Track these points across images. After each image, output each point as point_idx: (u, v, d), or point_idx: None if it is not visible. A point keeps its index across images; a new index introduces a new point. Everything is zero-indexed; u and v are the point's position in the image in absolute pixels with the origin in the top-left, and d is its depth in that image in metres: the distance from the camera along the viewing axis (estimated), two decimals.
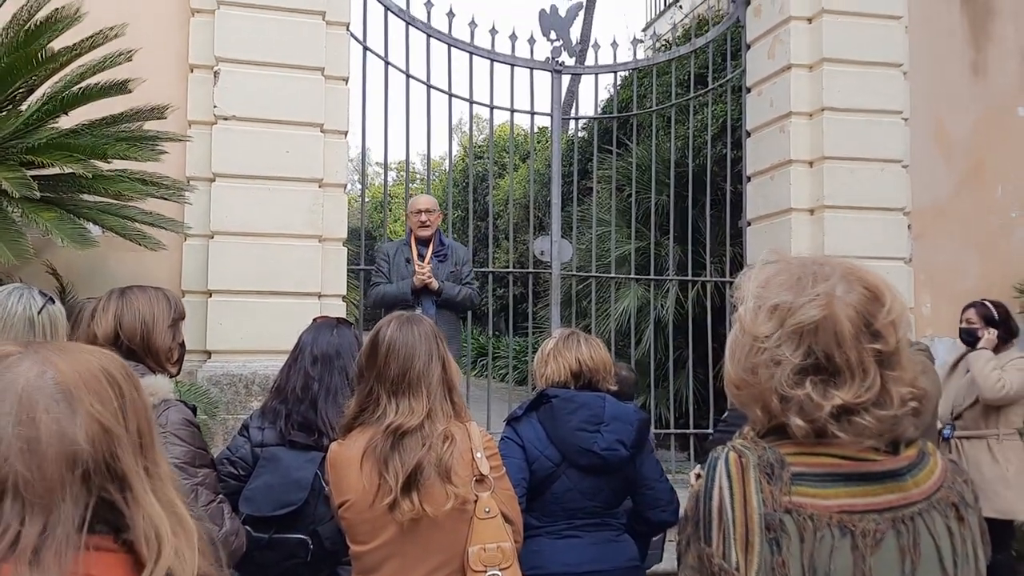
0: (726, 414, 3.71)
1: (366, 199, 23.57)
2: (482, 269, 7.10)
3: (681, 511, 3.22)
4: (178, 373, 2.54)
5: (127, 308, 2.38)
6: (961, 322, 4.85)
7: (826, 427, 1.26)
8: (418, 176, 14.72)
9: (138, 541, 0.91)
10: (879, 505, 1.27)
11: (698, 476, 3.41)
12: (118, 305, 2.38)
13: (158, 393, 2.27)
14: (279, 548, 2.53)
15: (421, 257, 5.34)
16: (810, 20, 6.08)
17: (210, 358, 5.08)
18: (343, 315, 5.24)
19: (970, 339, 4.77)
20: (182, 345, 2.54)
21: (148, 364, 2.36)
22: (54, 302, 2.46)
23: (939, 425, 4.70)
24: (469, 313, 6.74)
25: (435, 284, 5.19)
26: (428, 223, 5.37)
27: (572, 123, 12.21)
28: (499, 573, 2.19)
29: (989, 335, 4.68)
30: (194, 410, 2.40)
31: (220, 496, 2.39)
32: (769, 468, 1.27)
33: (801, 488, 1.26)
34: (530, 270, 7.04)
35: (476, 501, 2.22)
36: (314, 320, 3.01)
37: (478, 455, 2.26)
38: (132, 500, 0.92)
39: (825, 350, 1.27)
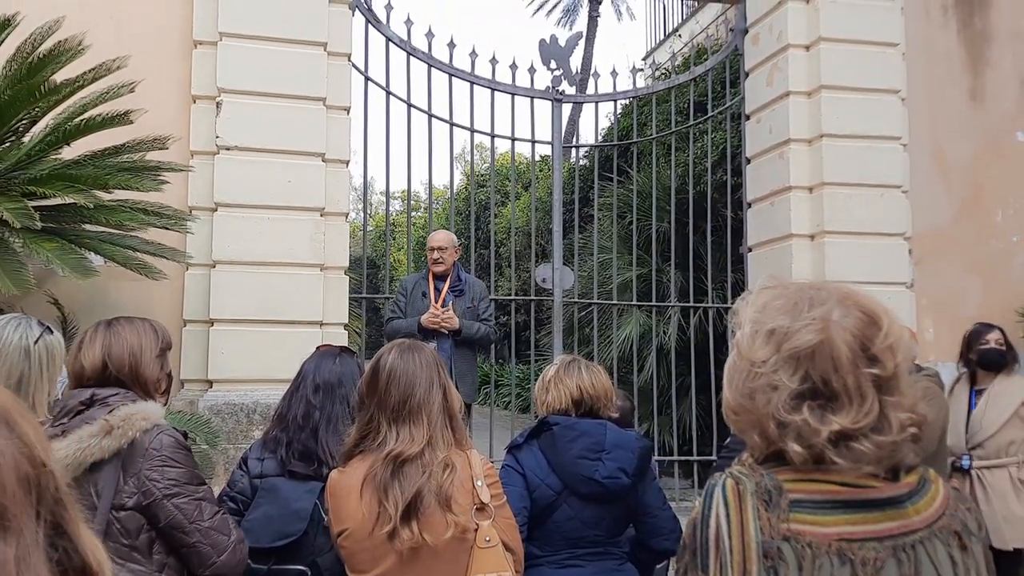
0: (728, 440, 3.68)
1: (369, 228, 23.70)
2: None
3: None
4: (166, 403, 2.54)
5: (115, 339, 2.39)
6: (984, 343, 4.75)
7: (824, 453, 1.25)
8: (421, 205, 14.78)
9: (87, 559, 0.90)
10: (879, 533, 1.25)
11: None
12: (105, 336, 2.39)
13: (150, 418, 2.29)
14: None
15: (438, 292, 5.37)
16: (808, 48, 6.12)
17: (212, 387, 5.07)
18: (345, 343, 5.24)
19: (1000, 359, 4.68)
20: (169, 375, 2.55)
21: (137, 393, 2.37)
22: (52, 332, 2.48)
23: (950, 456, 4.63)
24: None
25: (455, 323, 5.26)
26: (441, 260, 5.45)
27: (574, 151, 12.29)
28: None
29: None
30: (184, 435, 2.41)
31: (222, 508, 2.41)
32: (767, 495, 1.25)
33: (799, 515, 1.24)
34: (532, 297, 7.04)
35: (476, 530, 2.20)
36: (317, 348, 3.00)
37: (479, 483, 2.25)
38: (73, 522, 0.92)
39: (822, 375, 1.26)
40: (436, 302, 5.36)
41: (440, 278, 5.48)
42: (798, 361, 1.26)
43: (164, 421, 2.36)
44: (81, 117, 4.27)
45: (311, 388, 2.77)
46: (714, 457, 5.94)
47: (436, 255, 5.46)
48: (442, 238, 5.56)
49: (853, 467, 1.25)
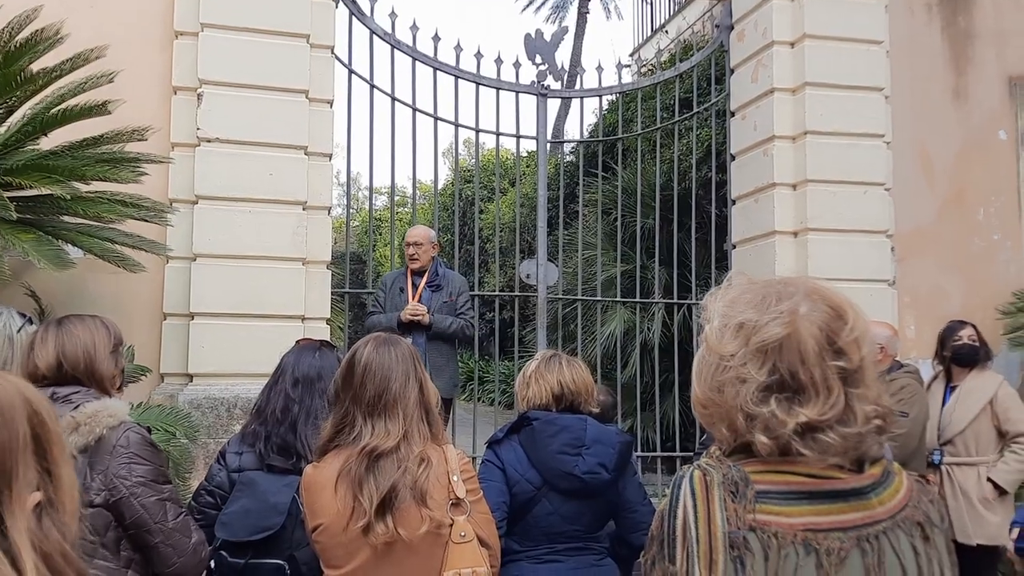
0: (704, 436, 3.69)
1: (354, 223, 23.60)
2: (470, 293, 7.08)
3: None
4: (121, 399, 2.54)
5: (67, 338, 2.39)
6: (957, 339, 4.79)
7: (790, 444, 1.26)
8: (407, 200, 14.74)
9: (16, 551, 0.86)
10: (844, 523, 1.27)
11: None
12: (57, 335, 2.40)
13: (116, 415, 2.30)
14: (255, 573, 2.49)
15: (415, 287, 5.40)
16: (792, 45, 6.13)
17: (192, 381, 5.03)
18: (327, 338, 5.21)
19: (973, 354, 4.75)
20: (123, 371, 2.56)
21: (95, 390, 2.38)
22: (32, 323, 2.49)
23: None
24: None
25: (425, 320, 5.31)
26: (416, 256, 5.53)
27: (562, 147, 12.27)
28: None
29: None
30: (149, 431, 2.43)
31: (185, 509, 2.42)
32: (733, 486, 1.26)
33: (766, 506, 1.26)
34: (517, 293, 7.03)
35: (452, 525, 2.19)
36: (297, 342, 2.98)
37: (454, 478, 2.23)
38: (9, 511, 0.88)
39: (790, 368, 1.27)
40: (413, 297, 5.40)
41: (418, 273, 5.54)
42: (766, 354, 1.28)
43: (129, 418, 2.36)
44: (59, 107, 4.21)
45: (290, 382, 2.75)
46: (695, 454, 5.94)
47: (412, 251, 5.53)
48: (418, 234, 5.59)
49: (819, 458, 1.27)
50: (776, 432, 1.26)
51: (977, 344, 4.76)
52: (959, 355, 4.77)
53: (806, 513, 1.26)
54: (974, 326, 4.85)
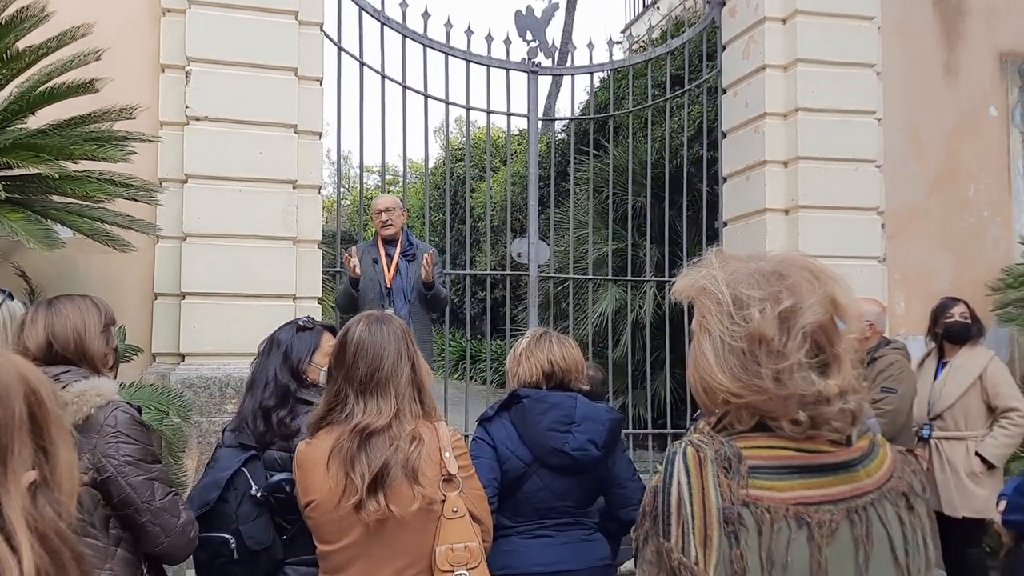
0: (698, 413, 3.71)
1: (345, 202, 23.55)
2: (461, 272, 7.09)
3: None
4: (115, 378, 2.54)
5: (57, 318, 2.39)
6: (948, 316, 4.84)
7: (829, 418, 1.30)
8: (398, 179, 14.68)
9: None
10: (833, 496, 1.29)
11: None
12: (47, 315, 2.40)
13: (104, 394, 2.29)
14: (205, 546, 2.53)
15: (389, 257, 5.33)
16: (784, 21, 6.11)
17: (184, 361, 5.04)
18: (319, 317, 5.21)
19: (964, 331, 4.79)
20: (116, 351, 2.56)
21: (85, 370, 2.38)
22: (12, 298, 2.48)
23: (914, 425, 4.73)
24: (448, 315, 6.73)
25: (431, 276, 5.23)
26: (390, 222, 5.39)
27: (553, 125, 12.23)
28: (467, 573, 2.18)
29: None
30: (139, 410, 2.42)
31: (173, 489, 2.42)
32: (726, 462, 1.28)
33: (758, 481, 1.27)
34: (508, 272, 7.03)
35: (444, 501, 2.21)
36: (289, 323, 2.97)
37: (446, 455, 2.25)
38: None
39: (822, 346, 1.32)
40: (388, 268, 5.30)
41: (390, 243, 5.41)
42: (805, 336, 1.30)
43: (118, 397, 2.36)
44: (46, 85, 4.18)
45: (262, 352, 2.81)
46: (686, 430, 5.98)
47: (384, 217, 5.39)
48: (388, 200, 5.49)
49: (843, 427, 1.31)
50: (819, 409, 1.29)
51: (969, 321, 4.81)
52: (950, 332, 4.82)
53: (797, 487, 1.28)
54: (966, 303, 4.89)
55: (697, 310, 1.39)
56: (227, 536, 2.52)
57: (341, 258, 5.45)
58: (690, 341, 1.46)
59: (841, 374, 1.30)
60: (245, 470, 2.57)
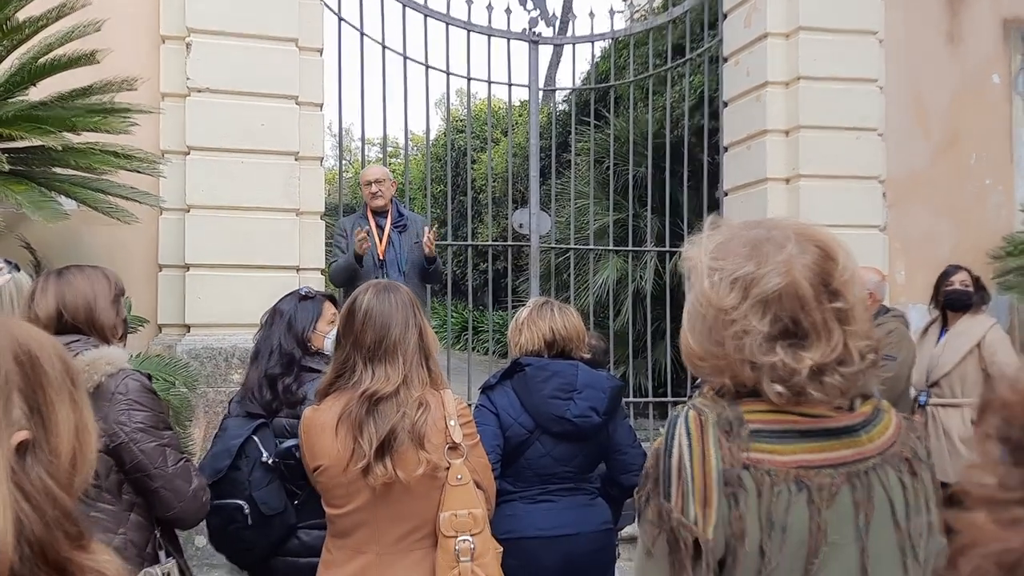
0: (698, 381, 3.75)
1: (347, 174, 23.47)
2: (463, 243, 7.11)
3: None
4: (123, 348, 2.55)
5: (68, 288, 2.40)
6: (949, 284, 4.86)
7: (805, 389, 1.29)
8: (400, 151, 14.65)
9: None
10: (835, 460, 1.30)
11: None
12: (58, 285, 2.41)
13: (115, 362, 2.31)
14: (218, 513, 2.58)
15: (381, 229, 5.32)
16: None
17: (189, 332, 5.08)
18: (322, 288, 5.24)
19: (966, 299, 4.81)
20: (125, 321, 2.58)
21: (96, 340, 2.39)
22: (19, 270, 2.49)
23: (913, 392, 4.77)
24: (450, 287, 6.76)
25: (433, 253, 5.26)
26: (380, 193, 5.36)
27: (554, 96, 12.17)
28: (470, 538, 2.22)
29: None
30: (149, 378, 2.45)
31: (185, 455, 2.45)
32: (728, 425, 1.30)
33: (759, 444, 1.29)
34: (510, 243, 7.04)
35: (448, 468, 2.25)
36: (290, 293, 3.01)
37: (451, 423, 2.28)
38: None
39: (791, 315, 1.30)
40: (381, 240, 5.28)
41: (380, 214, 5.38)
42: (766, 304, 1.29)
43: (128, 365, 2.38)
44: (46, 57, 4.18)
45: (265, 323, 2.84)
46: (687, 399, 6.03)
47: (374, 189, 5.34)
48: (378, 171, 5.45)
49: (826, 400, 1.30)
50: (790, 380, 1.29)
51: (969, 289, 4.82)
52: (950, 300, 4.84)
53: (799, 451, 1.30)
54: (969, 271, 4.90)
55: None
56: (241, 503, 2.56)
57: (343, 232, 5.42)
58: None
59: (824, 345, 1.29)
60: (255, 438, 2.61)
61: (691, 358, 1.39)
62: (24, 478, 0.88)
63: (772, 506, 1.26)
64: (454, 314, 15.32)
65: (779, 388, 1.29)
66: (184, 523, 2.46)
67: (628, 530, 3.83)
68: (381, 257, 5.30)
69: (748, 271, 1.31)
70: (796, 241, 1.33)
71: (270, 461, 2.57)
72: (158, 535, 2.38)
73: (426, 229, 5.24)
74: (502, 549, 2.38)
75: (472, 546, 2.20)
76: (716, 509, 1.26)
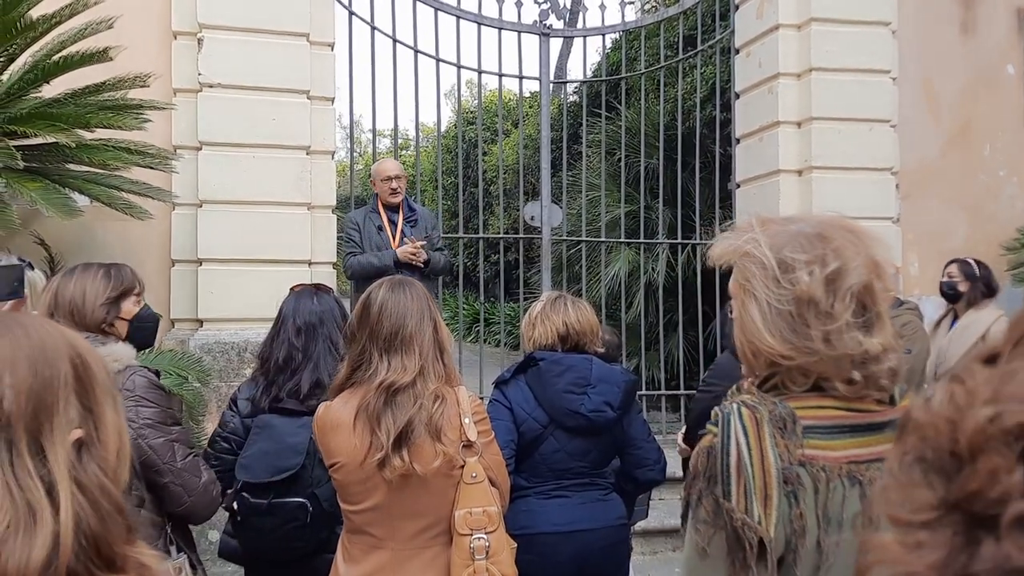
0: (706, 374, 3.74)
1: (358, 167, 23.50)
2: (474, 235, 7.11)
3: (670, 472, 3.26)
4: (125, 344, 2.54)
5: (63, 286, 2.43)
6: (943, 276, 4.91)
7: (878, 377, 1.33)
8: (410, 143, 14.64)
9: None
10: (881, 454, 1.32)
11: (685, 438, 3.45)
12: (58, 283, 2.44)
13: (122, 359, 2.34)
14: (278, 512, 2.57)
15: (393, 223, 5.29)
16: None
17: (202, 326, 5.10)
18: (333, 282, 5.26)
19: (951, 292, 4.84)
20: (136, 319, 2.55)
21: (100, 337, 2.40)
22: (33, 268, 2.51)
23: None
24: (461, 279, 6.77)
25: (424, 256, 5.14)
26: (399, 189, 5.31)
27: (565, 87, 12.14)
28: (485, 536, 2.22)
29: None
30: (157, 374, 2.47)
31: (194, 450, 2.49)
32: (781, 423, 1.30)
33: (812, 441, 1.30)
34: (521, 235, 7.04)
35: (463, 466, 2.25)
36: (291, 289, 3.00)
37: (466, 420, 2.29)
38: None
39: (865, 305, 1.34)
40: (394, 236, 5.23)
41: (392, 209, 5.34)
42: (851, 297, 1.32)
43: (136, 362, 2.41)
44: (60, 54, 4.20)
45: (292, 331, 2.79)
46: (697, 391, 6.02)
47: (395, 184, 5.27)
48: (396, 167, 5.38)
49: (887, 388, 1.34)
50: (869, 368, 1.32)
51: (954, 280, 4.81)
52: (942, 292, 4.88)
53: (849, 446, 1.31)
54: (972, 262, 4.87)
55: (739, 274, 1.40)
56: (304, 500, 2.58)
57: (355, 225, 5.34)
58: (721, 305, 1.48)
59: (883, 332, 1.34)
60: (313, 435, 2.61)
61: (768, 356, 1.36)
62: (82, 473, 0.93)
63: (829, 502, 1.28)
64: (465, 306, 15.34)
65: (856, 375, 1.32)
66: (196, 517, 2.49)
67: (641, 525, 3.83)
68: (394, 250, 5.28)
69: (837, 265, 1.32)
70: (857, 236, 1.37)
71: None
72: (169, 530, 2.40)
73: (409, 240, 5.15)
74: (516, 546, 2.38)
75: (487, 544, 2.21)
76: (777, 507, 1.26)
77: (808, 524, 1.27)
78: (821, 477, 1.28)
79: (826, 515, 1.27)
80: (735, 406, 1.32)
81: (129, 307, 2.53)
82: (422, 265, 5.13)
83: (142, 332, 2.60)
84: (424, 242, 5.17)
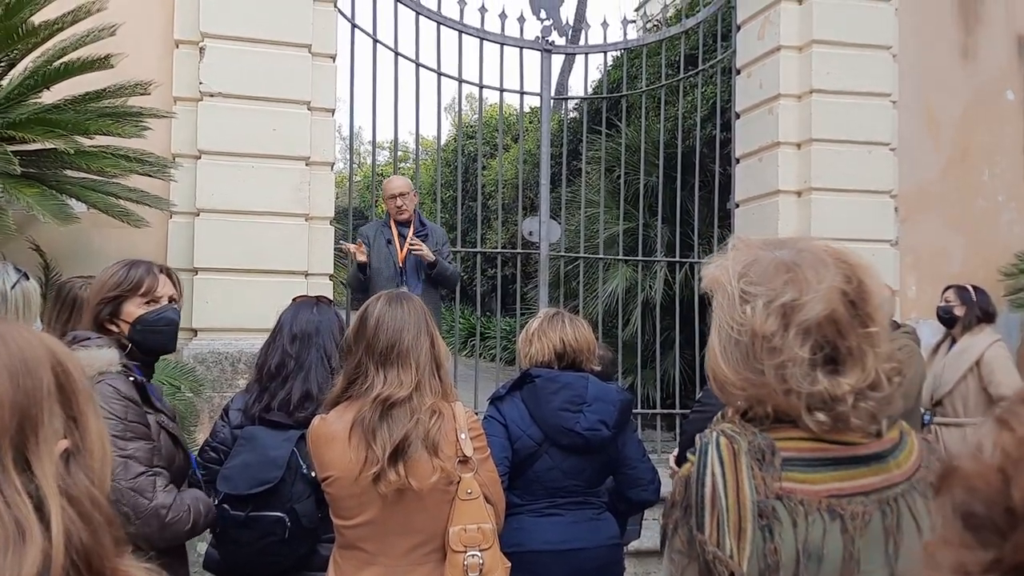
0: (700, 395, 3.73)
1: (356, 178, 23.53)
2: (472, 249, 7.10)
3: (663, 492, 3.23)
4: (128, 346, 2.45)
5: (99, 275, 2.42)
6: (940, 301, 4.91)
7: (845, 416, 1.27)
8: (409, 156, 14.66)
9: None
10: (865, 488, 1.29)
11: (678, 460, 3.43)
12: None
13: (94, 365, 2.21)
14: (255, 526, 2.53)
15: (403, 237, 5.37)
16: (800, 2, 6.05)
17: (196, 336, 5.07)
18: (330, 294, 5.24)
19: (948, 317, 4.84)
20: (137, 321, 2.45)
21: (99, 337, 2.33)
22: (28, 278, 2.47)
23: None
24: (458, 293, 6.76)
25: (430, 255, 5.26)
26: (403, 207, 5.44)
27: (566, 104, 12.16)
28: (479, 553, 2.20)
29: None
30: (141, 386, 2.34)
31: (154, 469, 2.31)
32: (760, 454, 1.27)
33: (791, 474, 1.27)
34: (519, 251, 7.03)
35: (459, 482, 2.23)
36: (293, 300, 3.00)
37: (462, 436, 2.27)
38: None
39: (830, 341, 1.28)
40: (401, 249, 5.35)
41: (403, 224, 5.47)
42: (807, 331, 1.27)
43: (114, 369, 2.27)
44: (61, 60, 4.19)
45: (288, 338, 2.77)
46: (690, 411, 6.00)
47: (399, 202, 5.43)
48: (402, 184, 5.51)
49: (863, 427, 1.28)
50: (832, 408, 1.27)
51: (950, 305, 4.81)
52: (939, 317, 4.88)
53: (830, 479, 1.28)
54: (968, 288, 4.87)
55: (714, 299, 1.39)
56: (282, 515, 2.53)
57: (366, 239, 5.45)
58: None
59: (859, 370, 1.27)
60: (296, 449, 2.56)
61: (725, 386, 1.35)
62: (71, 484, 0.91)
63: (808, 536, 1.25)
64: (461, 320, 15.32)
65: (821, 416, 1.27)
66: (147, 543, 2.30)
67: (634, 544, 3.80)
68: (401, 264, 5.36)
69: (790, 298, 1.28)
70: (832, 265, 1.31)
71: (311, 474, 2.50)
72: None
73: (417, 240, 5.28)
74: (511, 565, 2.35)
75: (481, 561, 2.19)
76: (751, 541, 1.23)
77: (783, 559, 1.23)
78: (799, 511, 1.25)
79: (806, 550, 1.24)
80: (714, 435, 1.30)
81: (132, 308, 2.44)
82: (429, 263, 5.25)
83: (150, 336, 2.48)
84: (421, 245, 5.27)
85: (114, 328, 2.43)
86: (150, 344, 2.51)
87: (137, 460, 2.26)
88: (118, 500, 2.15)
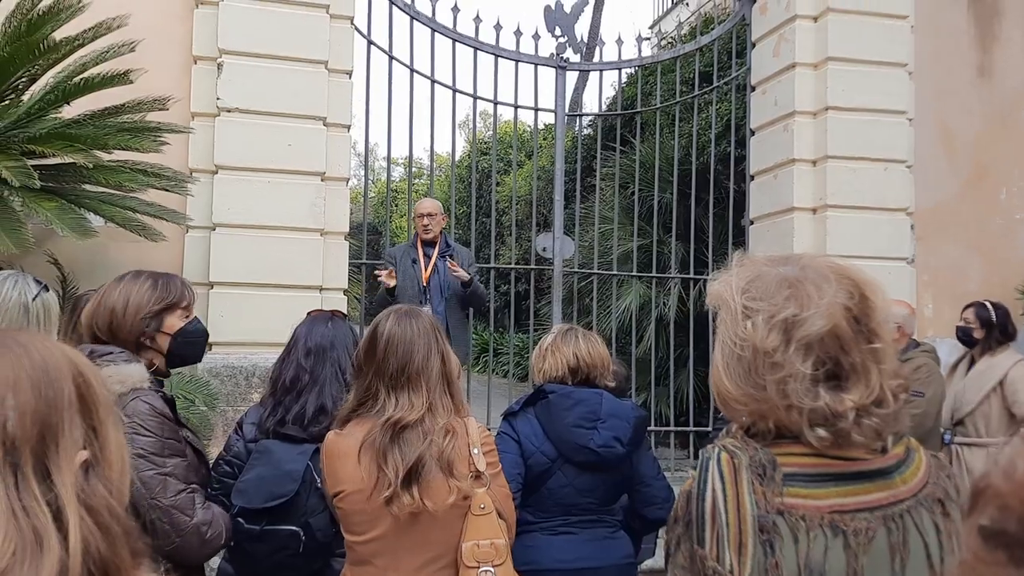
0: (720, 413, 3.70)
1: (371, 194, 23.63)
2: (486, 265, 7.11)
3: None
4: (168, 363, 2.46)
5: (107, 296, 2.34)
6: (960, 320, 4.85)
7: (847, 433, 1.26)
8: (424, 171, 14.72)
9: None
10: (869, 504, 1.28)
11: None
12: (104, 292, 2.36)
13: (127, 381, 2.20)
14: (270, 540, 2.52)
15: (427, 257, 5.46)
16: (816, 19, 6.06)
17: (211, 350, 5.07)
18: (344, 309, 5.25)
19: (966, 338, 4.78)
20: (180, 333, 2.44)
21: (121, 352, 2.30)
22: (48, 290, 2.46)
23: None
24: (471, 309, 6.77)
25: (467, 275, 5.42)
26: (430, 227, 5.57)
27: (580, 120, 12.19)
28: (492, 570, 2.18)
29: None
30: (171, 401, 2.33)
31: (192, 485, 2.32)
32: (761, 469, 1.27)
33: (793, 489, 1.26)
34: (532, 267, 7.03)
35: (471, 497, 2.22)
36: (308, 314, 3.00)
37: (475, 451, 2.25)
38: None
39: (833, 356, 1.27)
40: (426, 269, 5.49)
41: (429, 244, 5.59)
42: (809, 347, 1.27)
43: (146, 384, 2.26)
44: (81, 76, 4.24)
45: (302, 352, 2.77)
46: (710, 428, 5.97)
47: (426, 222, 5.57)
48: (430, 205, 5.67)
49: (866, 443, 1.27)
50: (834, 424, 1.26)
51: (970, 326, 4.76)
52: (958, 337, 4.82)
53: (832, 495, 1.27)
54: (985, 305, 4.82)
55: (719, 315, 1.39)
56: (297, 529, 2.52)
57: (392, 259, 5.63)
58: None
59: (863, 386, 1.27)
60: (311, 463, 2.55)
61: (728, 401, 1.35)
62: (91, 495, 0.91)
63: (810, 552, 1.24)
64: (474, 336, 15.31)
65: (822, 432, 1.26)
66: (186, 559, 2.29)
67: (648, 563, 3.77)
68: (425, 283, 5.47)
69: (791, 313, 1.28)
70: (834, 281, 1.30)
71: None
72: (171, 568, 2.22)
73: (448, 259, 5.45)
74: None
75: None
76: (752, 557, 1.23)
77: (785, 574, 1.22)
78: (800, 526, 1.24)
79: (808, 565, 1.23)
80: (716, 451, 1.30)
81: (173, 321, 2.43)
82: (464, 282, 5.42)
83: (188, 348, 2.48)
84: (453, 263, 5.44)
85: (149, 342, 2.39)
86: (186, 355, 2.51)
87: (176, 477, 2.25)
88: (159, 518, 2.15)
